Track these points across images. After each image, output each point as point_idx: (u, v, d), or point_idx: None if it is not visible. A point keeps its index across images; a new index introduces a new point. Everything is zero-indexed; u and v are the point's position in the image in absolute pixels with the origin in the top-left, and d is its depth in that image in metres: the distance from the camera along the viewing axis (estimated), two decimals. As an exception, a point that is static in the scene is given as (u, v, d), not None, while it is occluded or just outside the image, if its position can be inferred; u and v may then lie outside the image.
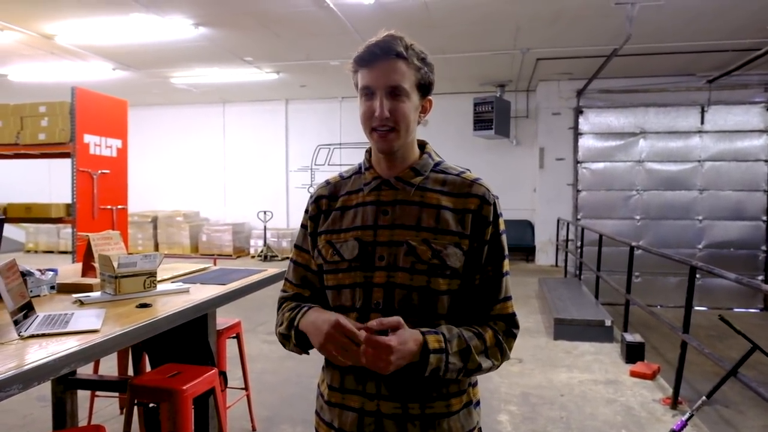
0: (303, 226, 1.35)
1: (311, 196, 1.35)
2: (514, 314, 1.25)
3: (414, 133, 1.25)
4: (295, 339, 1.25)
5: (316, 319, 1.17)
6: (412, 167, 1.25)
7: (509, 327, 1.23)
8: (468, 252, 1.20)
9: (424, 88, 1.23)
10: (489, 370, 1.21)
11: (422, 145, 1.31)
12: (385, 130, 1.18)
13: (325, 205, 1.31)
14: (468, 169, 1.29)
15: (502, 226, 1.24)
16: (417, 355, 1.10)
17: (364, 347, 1.06)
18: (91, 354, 1.71)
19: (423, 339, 1.11)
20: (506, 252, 1.25)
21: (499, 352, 1.20)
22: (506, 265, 1.25)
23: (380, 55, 1.16)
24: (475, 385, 1.29)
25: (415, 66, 1.18)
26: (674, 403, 3.96)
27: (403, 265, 1.18)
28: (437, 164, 1.28)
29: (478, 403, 1.30)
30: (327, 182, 1.36)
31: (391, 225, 1.21)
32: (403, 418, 1.18)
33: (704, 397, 3.26)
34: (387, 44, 1.16)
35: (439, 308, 1.19)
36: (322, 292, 1.31)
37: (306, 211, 1.35)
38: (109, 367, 3.91)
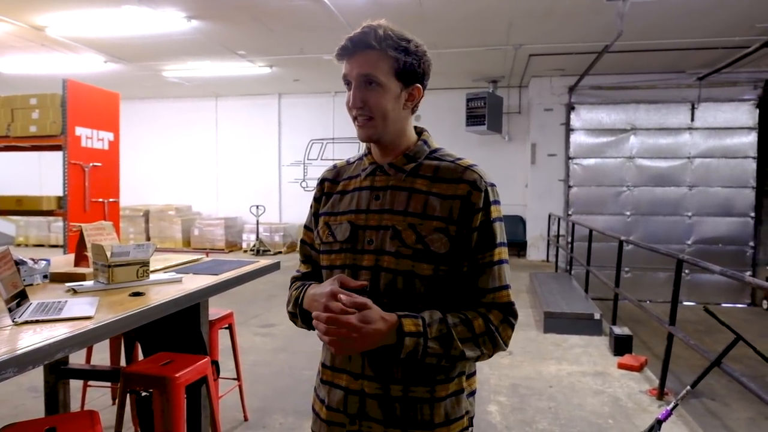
0: (311, 207, 1.41)
1: (318, 179, 1.41)
2: (510, 303, 1.22)
3: (403, 121, 1.26)
4: (301, 318, 1.32)
5: (315, 293, 1.22)
6: (405, 154, 1.26)
7: (506, 316, 1.20)
8: (455, 238, 1.19)
9: (406, 76, 1.22)
10: (477, 358, 1.20)
11: (420, 132, 1.32)
12: (363, 119, 1.22)
13: (328, 187, 1.37)
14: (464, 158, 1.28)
15: (494, 214, 1.22)
16: (392, 337, 1.12)
17: (325, 327, 1.09)
18: (85, 339, 1.73)
19: (398, 321, 1.12)
20: (500, 240, 1.23)
21: (491, 341, 1.18)
22: (501, 253, 1.23)
23: (353, 49, 1.20)
24: (470, 375, 1.29)
25: (391, 55, 1.19)
26: (661, 394, 4.02)
27: (389, 249, 1.20)
28: (434, 151, 1.29)
29: (472, 393, 1.29)
30: (334, 166, 1.41)
31: (380, 210, 1.24)
32: (386, 399, 1.20)
33: (689, 387, 3.32)
34: (359, 37, 1.19)
35: (423, 293, 1.20)
36: (311, 277, 1.37)
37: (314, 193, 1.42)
38: (101, 359, 3.92)
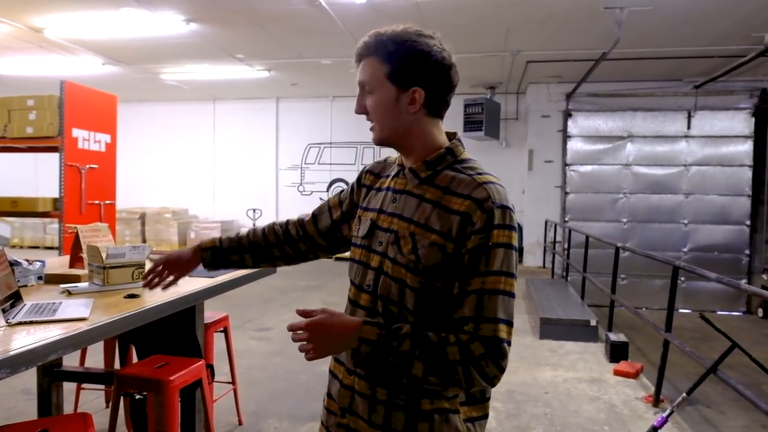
0: (352, 183, 1.47)
1: (364, 167, 1.45)
2: (496, 339, 1.08)
3: (411, 125, 1.22)
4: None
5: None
6: (425, 160, 1.23)
7: (488, 351, 1.07)
8: (452, 256, 1.13)
9: (402, 80, 1.19)
10: (446, 386, 1.10)
11: (451, 139, 1.27)
12: (371, 124, 1.25)
13: (369, 179, 1.40)
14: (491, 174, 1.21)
15: (498, 239, 1.11)
16: (354, 341, 1.11)
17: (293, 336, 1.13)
18: (79, 341, 1.72)
19: (360, 327, 1.11)
20: (500, 268, 1.10)
21: (462, 373, 1.07)
22: (498, 282, 1.10)
23: (357, 58, 1.24)
24: (474, 402, 1.20)
25: (383, 60, 1.19)
26: (656, 400, 4.02)
27: (389, 254, 1.20)
28: (459, 161, 1.22)
29: (472, 419, 1.20)
30: (385, 159, 1.42)
31: (393, 213, 1.24)
32: (372, 400, 1.20)
33: (684, 394, 3.32)
34: (358, 48, 1.23)
35: (414, 305, 1.16)
36: (303, 227, 1.54)
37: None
38: (95, 361, 3.89)
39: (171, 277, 1.59)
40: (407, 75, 1.19)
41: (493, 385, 1.10)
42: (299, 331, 1.12)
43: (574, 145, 10.16)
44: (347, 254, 1.41)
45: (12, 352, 1.48)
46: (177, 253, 1.61)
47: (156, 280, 1.58)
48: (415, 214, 1.19)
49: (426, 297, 1.15)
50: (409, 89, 1.20)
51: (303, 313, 1.15)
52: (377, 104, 1.22)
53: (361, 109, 1.25)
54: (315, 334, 1.11)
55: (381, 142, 1.26)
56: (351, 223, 1.45)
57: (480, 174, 1.18)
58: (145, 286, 1.59)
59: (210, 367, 2.83)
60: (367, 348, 1.10)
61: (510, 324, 1.11)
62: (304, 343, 1.12)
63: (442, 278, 1.14)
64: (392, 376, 1.14)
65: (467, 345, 1.07)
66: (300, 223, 1.55)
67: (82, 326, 1.76)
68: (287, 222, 1.57)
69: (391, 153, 1.38)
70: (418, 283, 1.15)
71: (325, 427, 1.33)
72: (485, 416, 1.24)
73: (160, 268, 1.58)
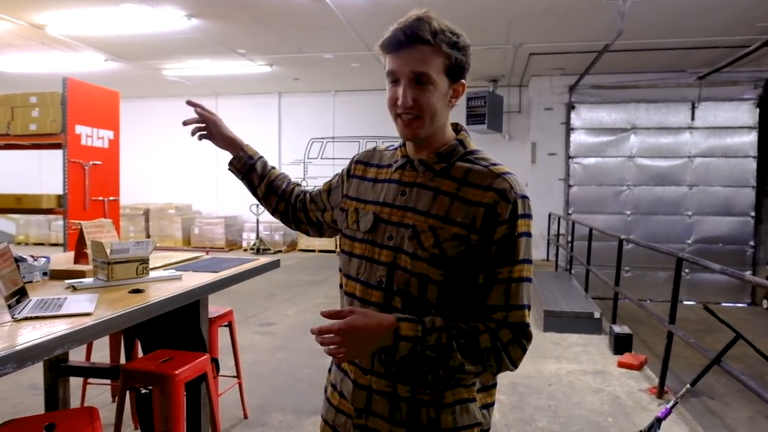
0: (339, 174, 1.45)
1: (353, 158, 1.42)
2: (524, 324, 1.14)
3: (444, 119, 1.21)
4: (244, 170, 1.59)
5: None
6: (437, 152, 1.21)
7: (517, 336, 1.13)
8: (475, 248, 1.13)
9: (455, 73, 1.18)
10: (479, 374, 1.16)
11: (458, 130, 1.27)
12: (410, 117, 1.16)
13: (359, 169, 1.37)
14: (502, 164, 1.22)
15: (521, 228, 1.14)
16: (389, 339, 1.09)
17: (320, 339, 1.10)
18: (84, 336, 1.73)
19: (396, 324, 1.10)
20: (523, 256, 1.15)
21: (495, 359, 1.12)
22: (522, 270, 1.14)
23: (405, 42, 1.13)
24: (487, 387, 1.25)
25: (444, 52, 1.14)
26: (660, 392, 4.02)
27: (407, 249, 1.17)
28: (470, 152, 1.23)
29: (487, 405, 1.25)
30: (374, 149, 1.39)
31: (404, 206, 1.21)
32: (393, 398, 1.19)
33: (688, 385, 3.32)
34: (413, 30, 1.13)
35: (436, 299, 1.16)
36: (295, 203, 1.57)
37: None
38: (101, 356, 3.91)
39: (204, 132, 1.55)
40: (459, 68, 1.18)
41: (517, 367, 1.15)
42: (328, 335, 1.08)
43: (578, 138, 10.13)
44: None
45: (18, 347, 1.50)
46: (226, 130, 1.56)
47: (196, 125, 1.54)
48: (432, 207, 1.17)
49: (448, 289, 1.15)
50: (457, 82, 1.20)
51: (331, 315, 1.11)
52: (436, 98, 1.15)
53: (413, 102, 1.14)
54: (349, 338, 1.08)
55: (421, 137, 1.19)
56: (326, 212, 1.47)
57: (494, 165, 1.20)
58: (187, 122, 1.55)
59: (215, 362, 2.85)
60: (407, 345, 1.09)
61: (530, 308, 1.18)
62: (333, 345, 1.09)
63: (464, 269, 1.14)
64: (429, 370, 1.14)
65: (496, 332, 1.12)
66: (306, 195, 1.59)
67: (87, 321, 1.77)
68: (296, 187, 1.62)
69: (380, 143, 1.38)
70: (441, 276, 1.14)
71: (331, 427, 1.30)
72: (494, 403, 1.27)
73: (206, 121, 1.53)
